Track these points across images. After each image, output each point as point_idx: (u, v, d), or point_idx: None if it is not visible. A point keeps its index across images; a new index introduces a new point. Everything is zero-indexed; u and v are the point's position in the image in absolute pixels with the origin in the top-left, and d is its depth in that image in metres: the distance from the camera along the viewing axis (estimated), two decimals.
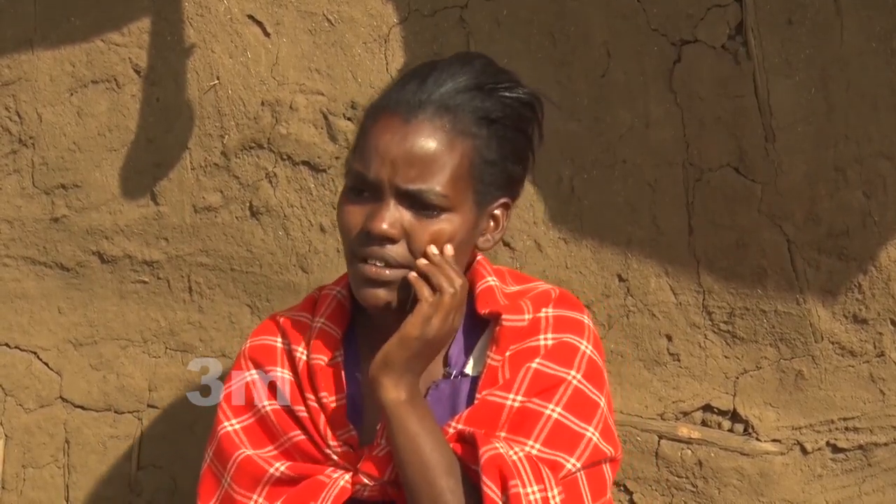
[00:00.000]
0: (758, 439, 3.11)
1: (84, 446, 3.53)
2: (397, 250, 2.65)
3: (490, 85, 2.70)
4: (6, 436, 3.57)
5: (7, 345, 3.56)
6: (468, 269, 2.80)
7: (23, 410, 3.56)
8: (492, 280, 2.79)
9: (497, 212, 2.73)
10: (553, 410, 2.66)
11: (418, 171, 2.64)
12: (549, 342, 2.72)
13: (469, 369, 2.76)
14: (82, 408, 3.52)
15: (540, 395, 2.67)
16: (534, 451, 2.64)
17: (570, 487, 2.65)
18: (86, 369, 3.52)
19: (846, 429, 3.07)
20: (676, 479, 3.16)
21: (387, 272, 2.65)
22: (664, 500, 3.17)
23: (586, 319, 2.78)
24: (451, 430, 2.67)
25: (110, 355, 3.50)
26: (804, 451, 3.09)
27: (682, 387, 3.14)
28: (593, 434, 2.68)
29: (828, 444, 3.08)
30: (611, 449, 2.71)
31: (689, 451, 3.15)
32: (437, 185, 2.64)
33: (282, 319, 2.82)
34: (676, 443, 3.15)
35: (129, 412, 3.50)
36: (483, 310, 2.75)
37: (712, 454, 3.13)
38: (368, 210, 2.67)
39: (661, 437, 3.16)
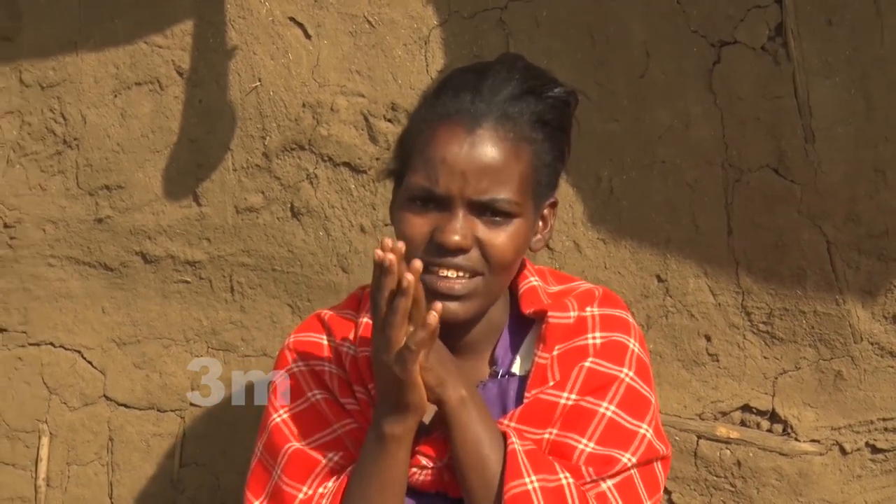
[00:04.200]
0: (797, 439, 3.11)
1: (127, 444, 3.55)
2: (471, 257, 2.65)
3: (539, 88, 2.71)
4: (51, 434, 3.60)
5: (52, 344, 3.58)
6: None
7: (67, 409, 3.58)
8: (534, 280, 2.79)
9: (546, 211, 2.75)
10: (607, 409, 2.67)
11: (490, 181, 2.64)
12: (598, 341, 2.72)
13: (516, 368, 2.75)
14: (126, 406, 3.54)
15: (593, 394, 2.67)
16: (588, 449, 2.64)
17: (627, 486, 2.65)
18: (129, 368, 3.54)
19: (885, 429, 3.06)
20: (715, 478, 3.16)
21: (457, 286, 2.64)
22: (703, 499, 3.17)
23: (630, 318, 2.78)
24: (504, 429, 2.65)
25: (153, 354, 3.52)
26: (843, 451, 3.09)
27: (721, 387, 3.14)
28: (647, 431, 2.68)
29: (867, 444, 3.08)
30: (662, 447, 2.71)
31: (728, 451, 3.15)
32: (508, 193, 2.65)
33: (327, 317, 2.82)
34: (715, 443, 3.15)
35: (171, 410, 3.51)
36: (528, 309, 2.75)
37: (751, 454, 3.13)
38: (434, 221, 2.66)
39: (699, 437, 3.16)
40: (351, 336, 2.77)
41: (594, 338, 2.72)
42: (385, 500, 2.62)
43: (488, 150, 2.65)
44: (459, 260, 2.65)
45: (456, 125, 2.66)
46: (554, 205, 2.76)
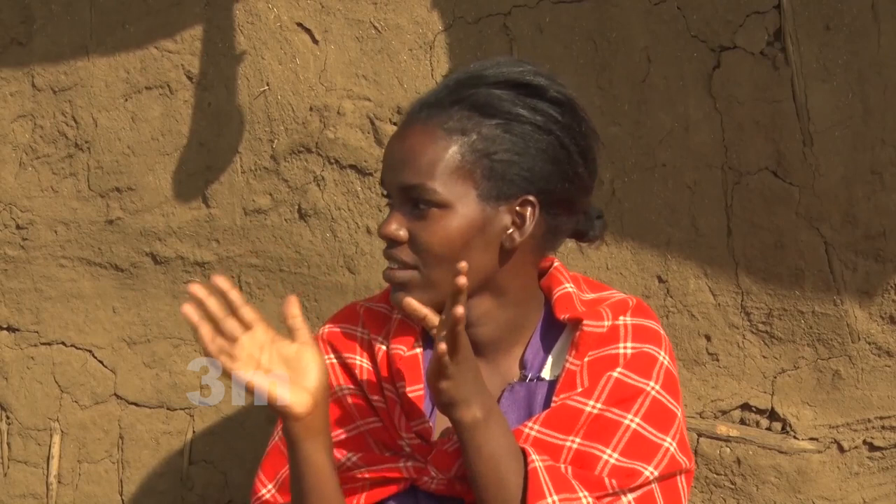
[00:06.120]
0: (795, 437, 3.12)
1: (137, 442, 3.55)
2: (403, 249, 2.66)
3: (495, 84, 2.66)
4: (62, 431, 3.60)
5: (63, 343, 3.58)
6: (543, 276, 2.77)
7: (78, 407, 3.58)
8: (569, 286, 2.76)
9: (520, 209, 2.66)
10: (632, 420, 2.65)
11: (409, 168, 2.65)
12: (629, 351, 2.70)
13: (546, 373, 2.73)
14: (136, 404, 3.54)
15: (619, 405, 2.66)
16: (612, 460, 2.63)
17: (647, 501, 2.64)
18: (139, 367, 3.54)
19: (882, 427, 3.07)
20: (715, 476, 3.17)
21: (398, 273, 2.66)
22: (703, 496, 3.18)
23: (661, 330, 2.75)
24: (528, 431, 2.65)
25: (163, 353, 3.52)
26: (841, 449, 3.10)
27: (721, 386, 3.15)
28: (671, 444, 2.66)
29: (864, 442, 3.09)
30: (686, 460, 2.68)
31: (728, 449, 3.16)
32: (425, 179, 2.63)
33: (362, 309, 2.80)
34: (715, 441, 3.16)
35: (181, 409, 3.52)
36: (562, 315, 2.72)
37: (751, 452, 3.14)
38: None
39: (700, 435, 3.17)
40: (384, 332, 2.75)
41: (625, 347, 2.70)
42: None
43: (411, 139, 2.66)
44: (393, 251, 2.67)
45: (400, 127, 2.73)
46: (532, 204, 2.65)
